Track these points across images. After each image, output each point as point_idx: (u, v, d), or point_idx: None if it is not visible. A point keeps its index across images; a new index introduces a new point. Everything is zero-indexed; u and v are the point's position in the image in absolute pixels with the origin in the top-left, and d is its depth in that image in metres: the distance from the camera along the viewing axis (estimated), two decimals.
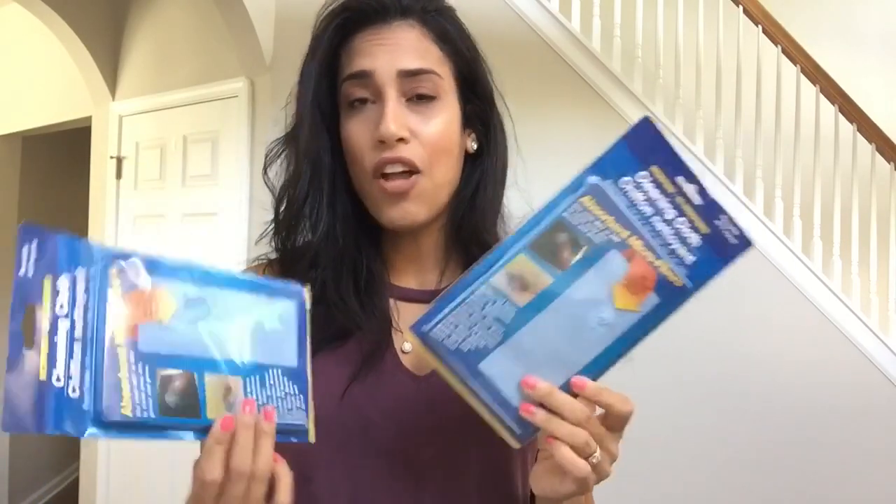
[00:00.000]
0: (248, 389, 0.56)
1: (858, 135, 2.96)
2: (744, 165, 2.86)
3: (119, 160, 3.10)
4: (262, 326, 0.58)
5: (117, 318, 0.51)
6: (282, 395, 0.58)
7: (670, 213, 0.55)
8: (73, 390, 0.48)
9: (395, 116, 0.65)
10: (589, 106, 2.76)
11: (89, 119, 3.30)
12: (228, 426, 0.52)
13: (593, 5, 2.82)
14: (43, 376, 0.48)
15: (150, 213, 3.01)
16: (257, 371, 0.57)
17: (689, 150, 2.76)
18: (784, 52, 2.93)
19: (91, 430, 0.49)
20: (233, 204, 2.67)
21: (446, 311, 0.54)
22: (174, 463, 2.58)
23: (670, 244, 0.55)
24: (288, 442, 0.58)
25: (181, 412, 0.52)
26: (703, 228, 0.55)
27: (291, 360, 0.59)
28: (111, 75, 3.17)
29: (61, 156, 4.18)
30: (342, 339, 0.68)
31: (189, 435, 0.53)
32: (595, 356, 0.55)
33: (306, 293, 0.62)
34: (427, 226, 0.72)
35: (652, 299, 0.55)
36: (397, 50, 0.67)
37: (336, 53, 0.69)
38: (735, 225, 0.55)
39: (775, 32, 2.92)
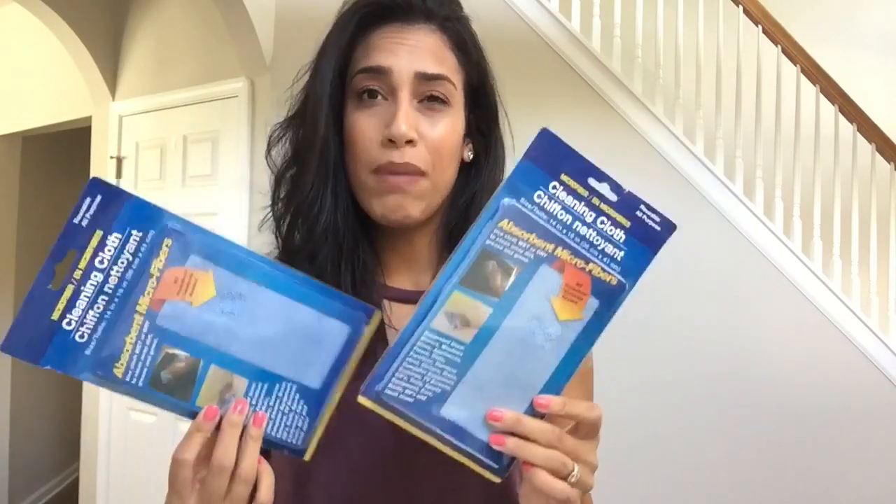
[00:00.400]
0: (251, 393, 0.56)
1: (858, 135, 2.96)
2: (744, 165, 2.86)
3: (119, 160, 3.10)
4: (297, 339, 0.57)
5: (149, 288, 0.54)
6: (285, 410, 0.57)
7: (590, 216, 0.55)
8: (82, 336, 0.52)
9: (407, 117, 0.65)
10: (589, 106, 2.76)
11: (89, 119, 3.30)
12: (211, 416, 0.54)
13: (593, 5, 2.82)
14: (55, 317, 0.52)
15: None
16: (269, 379, 0.57)
17: (690, 150, 2.76)
18: (784, 52, 2.93)
19: (85, 374, 0.52)
20: (233, 204, 2.66)
21: (395, 366, 0.54)
22: None
23: (597, 245, 0.55)
24: (280, 451, 0.58)
25: (171, 391, 0.54)
26: (625, 222, 0.56)
27: (314, 380, 0.58)
28: (111, 75, 3.17)
29: (61, 156, 4.18)
30: None
31: (180, 414, 0.55)
32: (552, 373, 0.55)
33: (370, 323, 0.60)
34: (421, 227, 0.72)
35: (592, 303, 0.55)
36: (417, 52, 0.67)
37: (352, 44, 0.69)
38: (655, 212, 0.56)
39: (775, 32, 2.92)
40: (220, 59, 2.75)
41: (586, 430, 0.56)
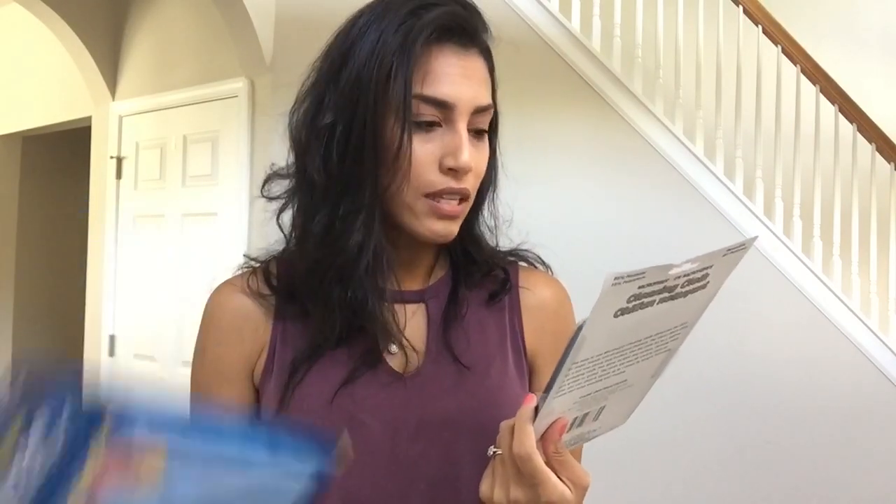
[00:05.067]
0: None
1: (858, 135, 2.96)
2: (744, 165, 2.86)
3: (119, 160, 3.10)
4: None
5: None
6: None
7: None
8: None
9: (469, 148, 0.66)
10: (589, 106, 2.76)
11: (89, 119, 3.30)
12: None
13: (593, 5, 2.82)
14: None
15: (150, 213, 3.00)
16: None
17: (690, 150, 2.77)
18: (784, 52, 2.93)
19: None
20: (233, 204, 2.66)
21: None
22: None
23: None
24: None
25: None
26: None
27: None
28: (111, 75, 3.17)
29: (61, 156, 4.17)
30: (339, 343, 0.68)
31: None
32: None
33: (331, 459, 0.52)
34: None
35: None
36: (476, 84, 0.67)
37: (409, 57, 0.65)
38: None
39: (775, 32, 2.92)
40: (220, 59, 2.75)
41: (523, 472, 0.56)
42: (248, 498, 0.49)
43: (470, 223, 0.73)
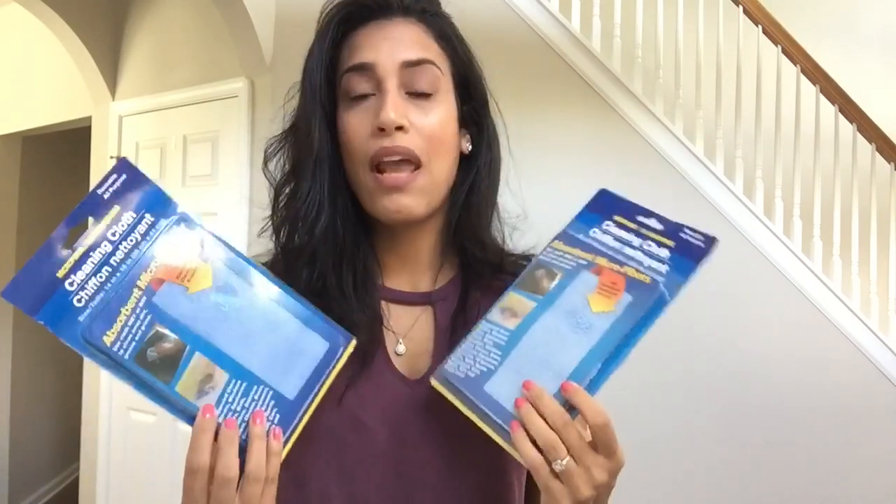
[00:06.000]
0: (229, 389, 0.56)
1: (858, 135, 2.96)
2: (744, 165, 2.86)
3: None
4: (280, 344, 0.58)
5: (152, 267, 0.56)
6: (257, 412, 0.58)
7: (636, 241, 0.62)
8: (80, 300, 0.54)
9: (396, 105, 0.65)
10: (589, 106, 2.76)
11: (89, 119, 3.30)
12: (212, 412, 0.55)
13: (593, 5, 2.82)
14: (60, 275, 0.54)
15: None
16: (249, 378, 0.57)
17: (690, 150, 2.76)
18: (784, 52, 2.93)
19: (74, 339, 0.53)
20: (233, 204, 2.66)
21: (457, 349, 0.63)
22: (174, 463, 2.58)
23: (639, 260, 0.62)
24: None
25: (154, 369, 0.55)
26: (669, 243, 0.62)
27: (290, 391, 0.58)
28: (111, 75, 3.17)
29: (61, 156, 4.17)
30: None
31: (153, 398, 0.55)
32: (581, 359, 0.58)
33: (347, 346, 0.61)
34: (423, 226, 0.72)
35: (625, 298, 0.60)
36: (399, 43, 0.67)
37: (337, 47, 0.70)
38: (698, 231, 0.62)
39: (775, 32, 2.92)
40: (220, 59, 2.75)
41: (600, 442, 0.56)
42: (278, 341, 0.59)
43: (475, 217, 0.72)
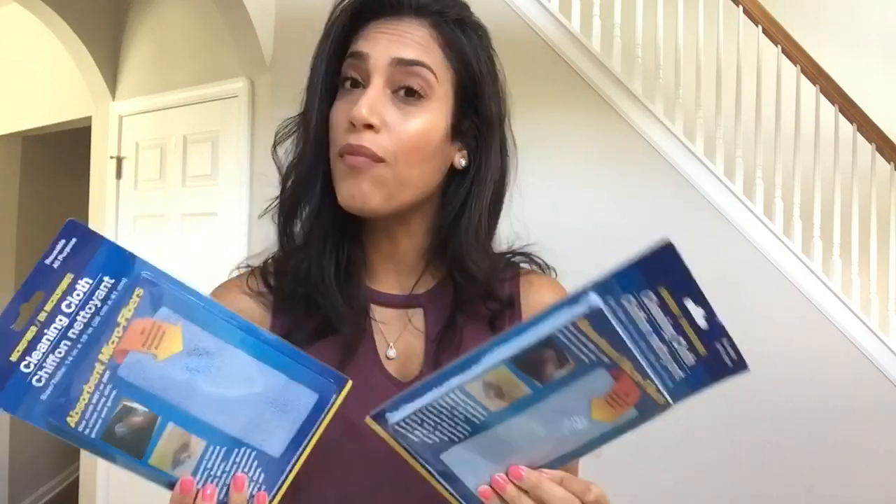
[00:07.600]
0: (207, 455, 0.54)
1: (858, 135, 2.96)
2: (744, 165, 2.86)
3: (119, 160, 3.10)
4: (262, 403, 0.55)
5: (114, 337, 0.52)
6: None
7: (669, 332, 0.52)
8: (39, 380, 0.50)
9: (371, 102, 0.64)
10: (589, 106, 2.76)
11: (89, 119, 3.30)
12: (188, 489, 0.53)
13: (593, 5, 2.82)
14: (14, 358, 0.50)
15: (150, 213, 3.01)
16: (228, 443, 0.55)
17: (690, 150, 2.76)
18: (784, 52, 2.93)
19: (38, 420, 0.51)
20: (233, 204, 2.66)
21: (413, 407, 0.54)
22: None
23: (663, 362, 0.54)
24: None
25: (124, 445, 0.52)
26: (702, 350, 0.53)
27: (275, 448, 0.56)
28: (111, 75, 3.17)
29: (61, 156, 4.18)
30: (322, 335, 0.68)
31: (128, 470, 0.53)
32: (553, 459, 0.56)
33: (341, 392, 0.58)
34: (404, 226, 0.71)
35: (630, 413, 0.55)
36: (398, 40, 0.66)
37: (347, 39, 0.69)
38: (736, 349, 0.54)
39: (775, 32, 2.92)
40: (220, 59, 2.75)
41: None
42: (259, 400, 0.55)
43: (463, 240, 0.70)
